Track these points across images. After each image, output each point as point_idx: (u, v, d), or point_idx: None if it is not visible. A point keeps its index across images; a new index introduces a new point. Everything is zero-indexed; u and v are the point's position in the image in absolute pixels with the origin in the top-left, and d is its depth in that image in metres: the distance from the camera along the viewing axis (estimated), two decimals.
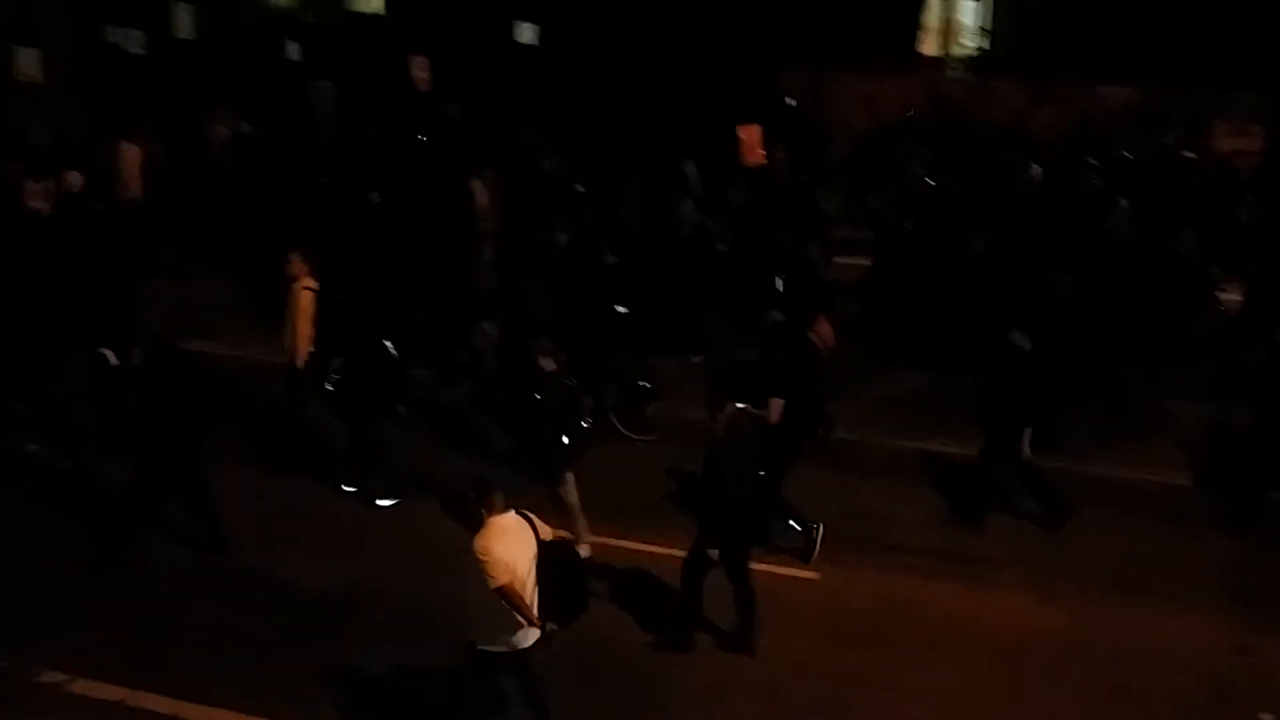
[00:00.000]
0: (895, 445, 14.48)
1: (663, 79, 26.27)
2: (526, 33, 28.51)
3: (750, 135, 18.90)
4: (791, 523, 11.80)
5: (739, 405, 11.29)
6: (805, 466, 12.50)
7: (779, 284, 15.63)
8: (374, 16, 33.47)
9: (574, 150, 19.85)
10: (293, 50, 29.10)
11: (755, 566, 10.83)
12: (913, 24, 29.93)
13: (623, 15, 27.86)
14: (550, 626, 8.45)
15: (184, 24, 29.91)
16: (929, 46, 30.07)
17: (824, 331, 12.49)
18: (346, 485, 12.66)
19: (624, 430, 14.03)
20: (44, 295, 13.84)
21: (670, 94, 25.31)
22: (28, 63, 27.53)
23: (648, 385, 14.03)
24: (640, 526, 12.03)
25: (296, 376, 12.93)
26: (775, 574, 11.57)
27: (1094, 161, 20.73)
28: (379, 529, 12.04)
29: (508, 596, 8.30)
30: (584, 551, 11.22)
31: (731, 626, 10.44)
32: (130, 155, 18.77)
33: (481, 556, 8.31)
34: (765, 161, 18.82)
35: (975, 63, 30.06)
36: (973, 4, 30.26)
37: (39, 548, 11.54)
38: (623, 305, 14.05)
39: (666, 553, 10.99)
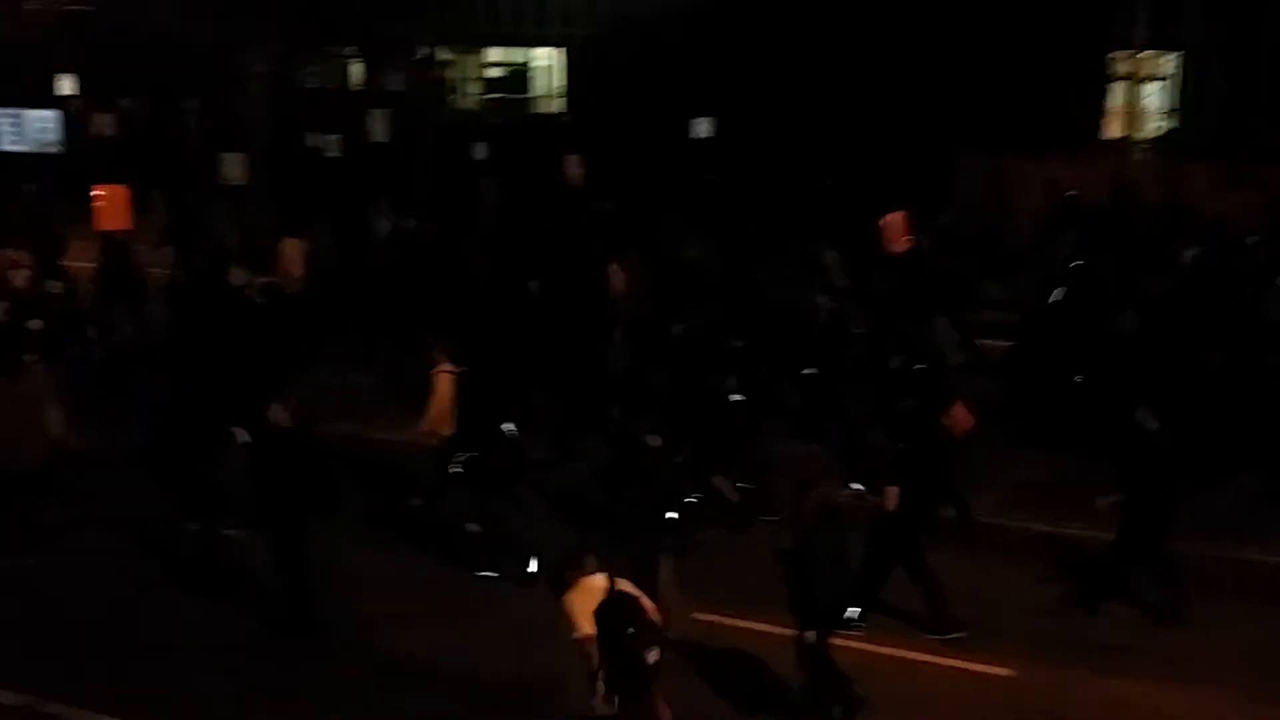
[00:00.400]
0: (1045, 530, 13.92)
1: (842, 162, 26.39)
2: (702, 127, 29.03)
3: (893, 223, 18.71)
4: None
5: (856, 487, 11.05)
6: (958, 553, 12.12)
7: (893, 365, 15.32)
8: (555, 116, 34.62)
9: (724, 238, 20.04)
10: (479, 150, 30.30)
11: (945, 662, 10.58)
12: (1097, 107, 29.38)
13: (801, 104, 28.16)
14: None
15: (378, 128, 31.51)
16: (1113, 129, 29.36)
17: (959, 416, 11.84)
18: (484, 570, 12.73)
19: (748, 510, 13.89)
20: (208, 381, 14.56)
21: (849, 178, 25.39)
22: (231, 167, 29.41)
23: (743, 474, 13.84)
24: (752, 605, 11.77)
25: (437, 458, 13.23)
26: (966, 670, 11.12)
27: (1252, 238, 19.80)
28: (531, 611, 11.93)
29: (585, 648, 8.35)
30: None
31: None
32: (292, 250, 19.70)
33: (566, 609, 8.41)
34: (909, 248, 18.62)
35: (1162, 145, 29.25)
36: (1158, 86, 29.58)
37: (202, 632, 11.58)
38: (741, 390, 13.92)
39: (777, 632, 10.75)
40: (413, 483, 13.82)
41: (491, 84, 35.98)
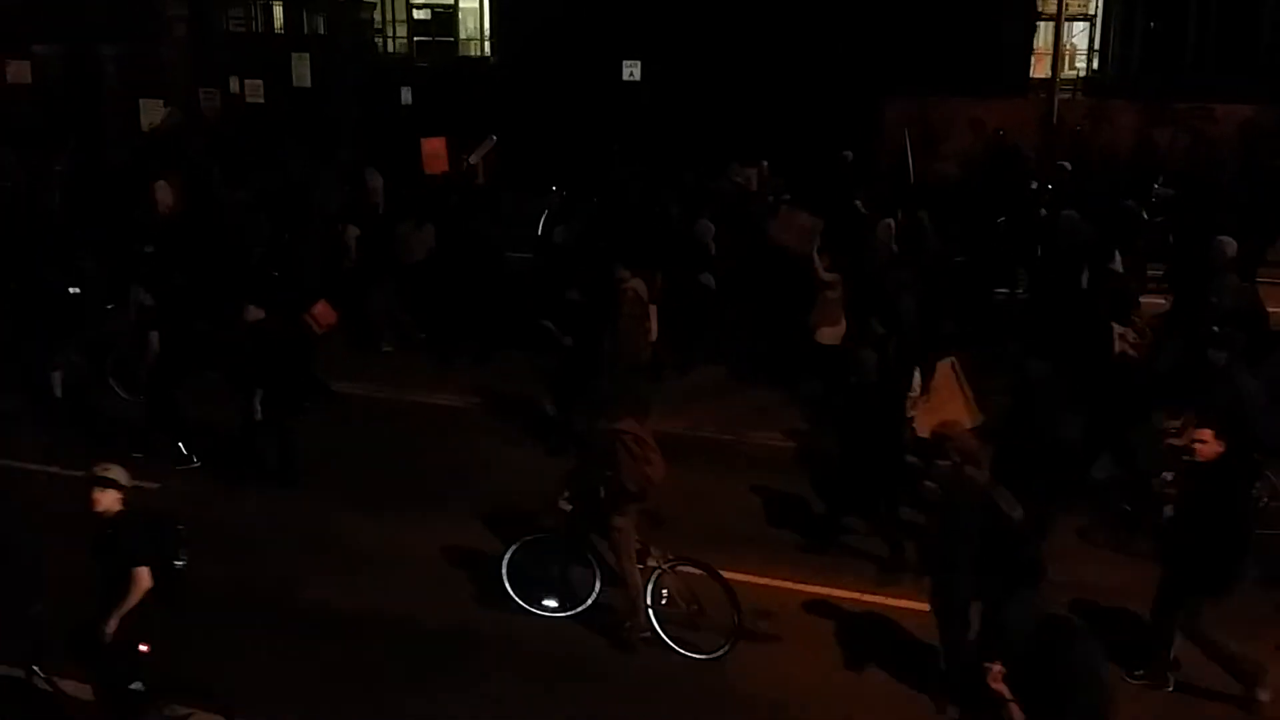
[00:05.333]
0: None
1: (766, 106, 26.36)
2: (631, 70, 28.79)
3: (433, 146, 19.35)
4: None
5: None
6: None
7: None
8: (482, 60, 34.19)
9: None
10: (406, 94, 29.90)
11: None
12: (1024, 47, 29.42)
13: (728, 47, 28.00)
14: None
15: (302, 73, 30.97)
16: (1040, 69, 29.46)
17: (320, 313, 14.66)
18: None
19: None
20: None
21: (770, 120, 25.41)
22: (151, 113, 28.86)
23: None
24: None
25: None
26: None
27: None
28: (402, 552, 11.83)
29: None
30: None
31: None
32: None
33: None
34: (448, 170, 19.71)
35: (1088, 84, 29.37)
36: (1085, 25, 29.64)
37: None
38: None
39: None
40: None
41: (417, 27, 35.44)
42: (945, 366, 11.78)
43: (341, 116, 29.61)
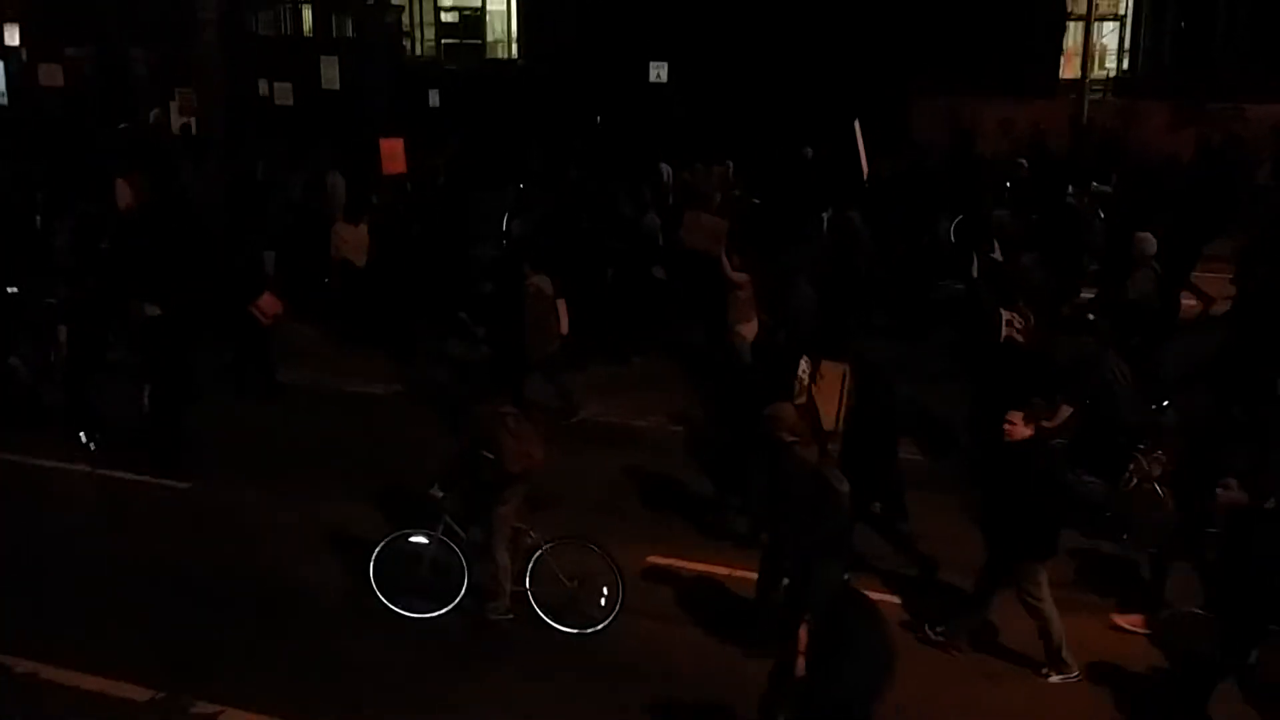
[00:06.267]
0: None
1: (793, 106, 26.31)
2: (658, 71, 28.85)
3: (391, 147, 19.67)
4: None
5: None
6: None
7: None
8: (510, 62, 34.28)
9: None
10: (433, 97, 29.97)
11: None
12: (1054, 47, 29.30)
13: (756, 47, 28.00)
14: None
15: (330, 76, 31.05)
16: (1070, 69, 29.33)
17: (266, 304, 14.72)
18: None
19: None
20: None
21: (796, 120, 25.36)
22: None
23: None
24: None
25: None
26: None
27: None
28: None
29: None
30: None
31: None
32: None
33: None
34: (404, 171, 20.03)
35: (1118, 84, 29.19)
36: (1114, 25, 29.45)
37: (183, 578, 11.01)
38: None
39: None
40: None
41: (445, 29, 35.56)
42: (837, 370, 11.57)
43: (370, 119, 29.65)
